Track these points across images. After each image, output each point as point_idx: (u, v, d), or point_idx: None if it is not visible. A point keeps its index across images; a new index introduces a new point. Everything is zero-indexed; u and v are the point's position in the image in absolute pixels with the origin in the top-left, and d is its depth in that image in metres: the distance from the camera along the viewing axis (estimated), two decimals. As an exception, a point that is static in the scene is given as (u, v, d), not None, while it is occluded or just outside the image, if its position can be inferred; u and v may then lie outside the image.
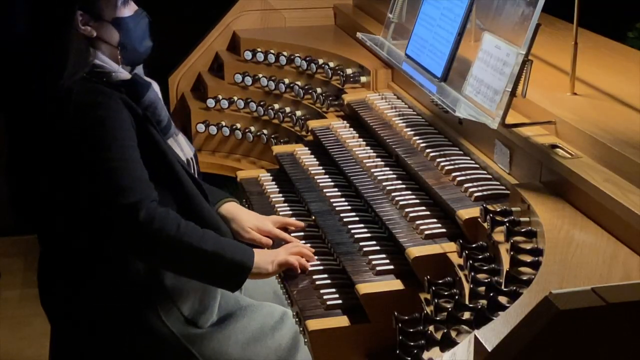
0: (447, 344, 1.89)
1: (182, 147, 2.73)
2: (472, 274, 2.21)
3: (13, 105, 2.59)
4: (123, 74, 2.56)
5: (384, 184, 2.93)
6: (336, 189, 3.11)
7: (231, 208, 2.90)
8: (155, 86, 2.68)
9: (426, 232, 2.60)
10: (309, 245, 2.81)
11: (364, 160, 3.14)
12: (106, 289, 2.55)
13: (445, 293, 2.28)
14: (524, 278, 2.03)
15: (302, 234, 2.92)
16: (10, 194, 2.61)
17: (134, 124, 2.50)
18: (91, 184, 2.44)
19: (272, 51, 4.24)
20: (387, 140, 3.18)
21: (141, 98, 2.57)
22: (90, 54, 2.51)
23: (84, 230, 2.51)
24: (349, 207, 2.97)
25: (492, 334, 1.64)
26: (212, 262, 2.50)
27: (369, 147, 3.26)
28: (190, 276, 2.58)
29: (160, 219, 2.42)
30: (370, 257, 2.65)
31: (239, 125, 4.22)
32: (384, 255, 2.65)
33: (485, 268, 2.26)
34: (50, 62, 2.46)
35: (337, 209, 2.96)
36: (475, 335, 1.65)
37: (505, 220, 2.31)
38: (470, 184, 2.69)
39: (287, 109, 4.07)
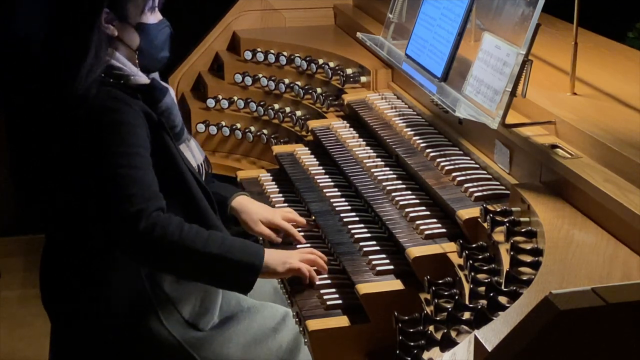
0: (447, 344, 1.89)
1: (193, 153, 2.71)
2: (472, 274, 2.21)
3: (17, 106, 2.57)
4: (142, 77, 2.53)
5: (384, 184, 2.93)
6: (336, 189, 3.11)
7: (242, 200, 2.90)
8: (172, 91, 2.66)
9: (426, 232, 2.60)
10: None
11: (364, 160, 3.14)
12: (107, 291, 2.54)
13: (445, 293, 2.28)
14: (524, 278, 2.03)
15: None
16: (16, 191, 2.59)
17: (149, 132, 2.48)
18: (98, 188, 2.42)
19: (272, 51, 4.24)
20: (387, 140, 3.18)
21: (158, 103, 2.55)
22: (108, 52, 2.48)
23: (88, 233, 2.50)
24: (349, 207, 2.97)
25: (492, 334, 1.64)
26: (219, 265, 2.46)
27: (369, 147, 3.26)
28: (199, 280, 2.55)
29: (162, 226, 2.38)
30: (370, 257, 2.65)
31: (239, 125, 4.22)
32: (384, 255, 2.65)
33: (485, 268, 2.26)
34: (67, 55, 2.42)
35: (337, 209, 2.96)
36: (475, 335, 1.65)
37: (505, 220, 2.31)
38: (470, 184, 2.69)
39: (287, 109, 4.07)
